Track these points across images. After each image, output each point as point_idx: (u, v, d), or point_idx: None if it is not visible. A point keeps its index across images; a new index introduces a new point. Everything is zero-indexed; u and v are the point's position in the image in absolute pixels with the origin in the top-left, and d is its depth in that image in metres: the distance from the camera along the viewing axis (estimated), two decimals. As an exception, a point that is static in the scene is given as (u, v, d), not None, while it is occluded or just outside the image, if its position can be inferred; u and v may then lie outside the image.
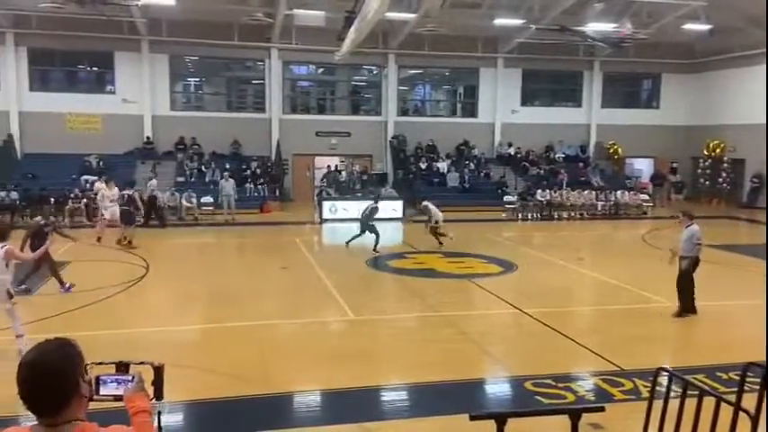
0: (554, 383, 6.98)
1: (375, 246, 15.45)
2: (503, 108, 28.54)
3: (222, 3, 23.06)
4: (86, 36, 23.41)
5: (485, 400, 7.00)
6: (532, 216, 23.52)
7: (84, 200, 20.53)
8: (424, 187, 25.72)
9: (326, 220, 21.30)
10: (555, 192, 24.34)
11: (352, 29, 19.48)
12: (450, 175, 26.29)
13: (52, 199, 20.45)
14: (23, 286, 10.68)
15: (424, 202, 17.52)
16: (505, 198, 24.35)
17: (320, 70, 28.78)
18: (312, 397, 6.95)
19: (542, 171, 27.06)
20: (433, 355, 8.18)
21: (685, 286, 9.65)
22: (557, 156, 28.52)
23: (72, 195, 20.82)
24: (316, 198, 23.65)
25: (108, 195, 16.71)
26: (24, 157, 24.16)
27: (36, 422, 2.08)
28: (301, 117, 27.53)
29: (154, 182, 20.29)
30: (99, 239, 16.09)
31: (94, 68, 25.98)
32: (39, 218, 11.93)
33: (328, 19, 23.30)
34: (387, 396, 7.00)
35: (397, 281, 12.99)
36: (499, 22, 24.44)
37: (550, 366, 7.60)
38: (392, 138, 27.77)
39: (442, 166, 26.84)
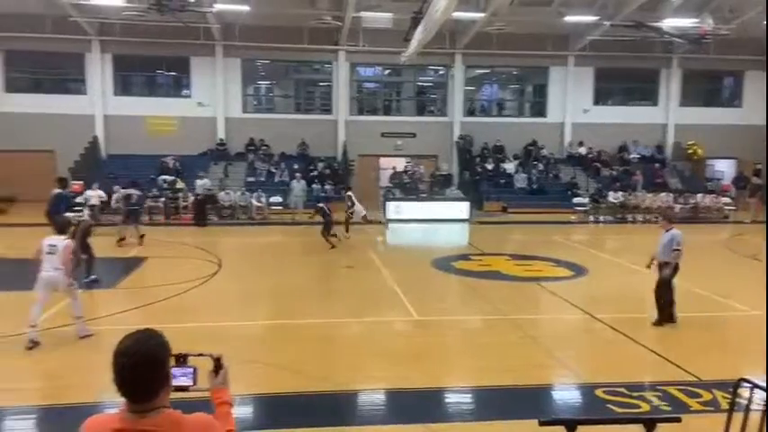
0: (627, 392, 6.71)
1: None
2: (573, 107, 27.81)
3: (292, 7, 23.56)
4: (165, 42, 24.46)
5: (553, 406, 6.81)
6: (604, 219, 22.79)
7: (162, 198, 21.45)
8: (490, 188, 25.41)
9: (391, 221, 21.37)
10: (629, 194, 23.49)
11: (419, 29, 19.48)
12: (517, 176, 25.84)
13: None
14: (93, 277, 11.28)
15: (348, 193, 18.67)
16: (575, 200, 23.71)
17: (386, 71, 28.94)
18: (375, 396, 6.96)
19: (615, 172, 26.17)
20: (498, 358, 8.04)
21: (664, 294, 9.11)
22: (631, 156, 27.52)
23: (150, 194, 21.76)
24: (381, 198, 23.77)
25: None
26: (108, 157, 25.49)
27: (125, 408, 2.15)
28: (367, 118, 27.77)
29: (206, 181, 21.05)
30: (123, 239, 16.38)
31: (172, 73, 27.11)
32: (87, 217, 12.70)
33: (395, 20, 23.41)
34: (451, 398, 6.93)
35: (462, 282, 12.86)
36: (570, 19, 23.84)
37: (623, 374, 7.32)
38: (458, 138, 27.59)
39: (510, 166, 26.41)
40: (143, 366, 2.12)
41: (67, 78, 26.15)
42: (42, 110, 24.60)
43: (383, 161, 27.21)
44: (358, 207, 17.94)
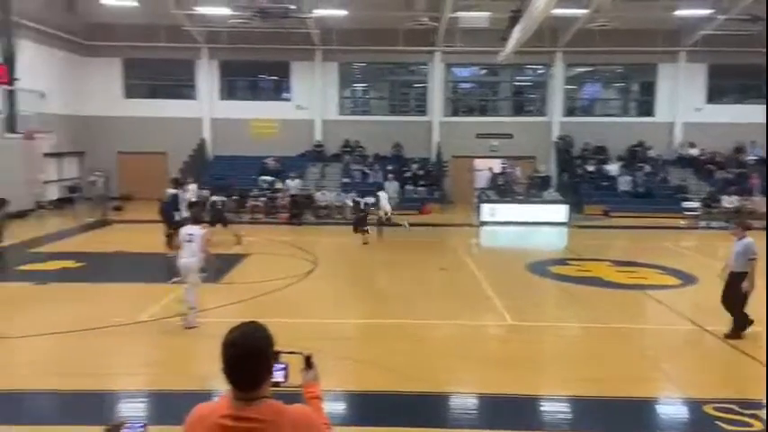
0: (739, 410, 6.21)
1: None
2: (685, 106, 26.21)
3: (389, 10, 23.78)
4: (267, 48, 25.45)
5: (657, 421, 6.43)
6: (717, 224, 21.26)
7: (263, 198, 22.34)
8: (591, 191, 24.43)
9: (486, 223, 21.04)
10: (745, 198, 21.79)
11: (517, 28, 19.06)
12: (621, 179, 24.67)
13: (236, 197, 22.48)
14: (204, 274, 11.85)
15: (379, 193, 18.65)
16: (685, 204, 22.30)
17: (482, 71, 28.56)
18: (466, 399, 6.87)
19: (730, 175, 24.36)
20: (597, 367, 7.70)
21: (737, 304, 8.59)
22: (747, 158, 25.52)
23: (252, 194, 22.75)
24: (475, 200, 23.47)
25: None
26: (214, 159, 26.88)
27: (231, 396, 2.25)
28: (462, 119, 27.53)
29: (297, 182, 21.59)
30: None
31: (273, 78, 28.16)
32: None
33: (492, 19, 23.04)
34: (546, 406, 6.71)
35: (560, 288, 12.43)
36: (681, 13, 22.47)
37: (735, 390, 6.79)
38: (557, 138, 26.75)
39: (613, 168, 25.26)
40: (250, 357, 2.23)
41: (179, 84, 27.82)
42: (156, 114, 26.35)
43: (478, 162, 26.85)
44: (387, 207, 18.23)
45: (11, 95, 16.03)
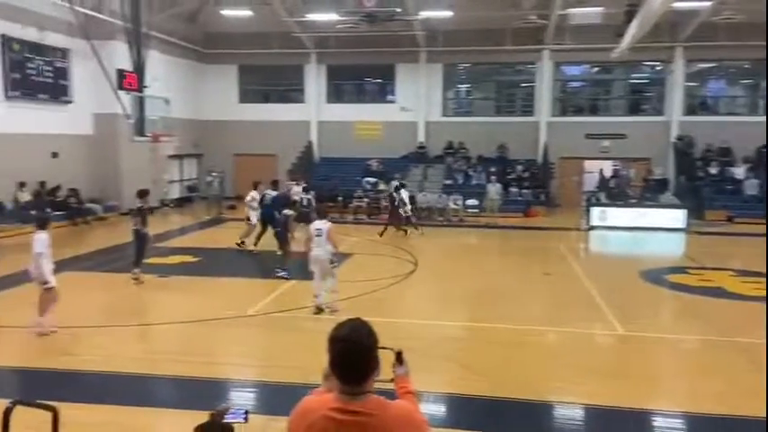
0: None
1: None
2: (821, 103, 23.73)
3: (496, 9, 23.42)
4: (373, 51, 25.87)
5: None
6: None
7: (366, 199, 22.73)
8: (713, 195, 22.74)
9: (595, 227, 20.14)
10: None
11: (633, 23, 18.11)
12: (747, 182, 22.77)
13: (340, 198, 23.04)
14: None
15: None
16: (822, 210, 20.14)
17: (594, 69, 27.39)
18: (572, 410, 6.58)
19: None
20: (716, 383, 7.12)
21: None
22: None
23: (355, 195, 23.21)
24: (584, 203, 22.54)
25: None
26: (320, 160, 27.71)
27: (338, 390, 2.30)
28: (571, 119, 26.57)
29: (395, 183, 21.57)
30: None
31: (378, 80, 28.58)
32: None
33: (606, 15, 22.05)
34: (657, 421, 6.31)
35: (677, 298, 11.64)
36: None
37: None
38: (676, 139, 25.12)
39: (739, 171, 23.36)
40: (357, 352, 2.27)
41: (289, 89, 28.91)
42: (268, 118, 27.57)
43: (587, 164, 25.79)
44: (407, 205, 18.18)
45: (140, 102, 17.35)
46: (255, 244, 15.23)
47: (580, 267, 14.28)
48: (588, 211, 20.83)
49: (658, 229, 19.66)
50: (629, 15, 18.22)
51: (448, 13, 22.82)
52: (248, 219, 15.77)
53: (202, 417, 2.40)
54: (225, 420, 2.35)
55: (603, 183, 23.45)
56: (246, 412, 2.38)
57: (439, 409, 6.55)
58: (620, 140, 25.35)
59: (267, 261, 14.22)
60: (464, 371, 7.48)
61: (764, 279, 12.63)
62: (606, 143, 25.59)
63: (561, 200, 25.85)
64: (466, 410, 6.53)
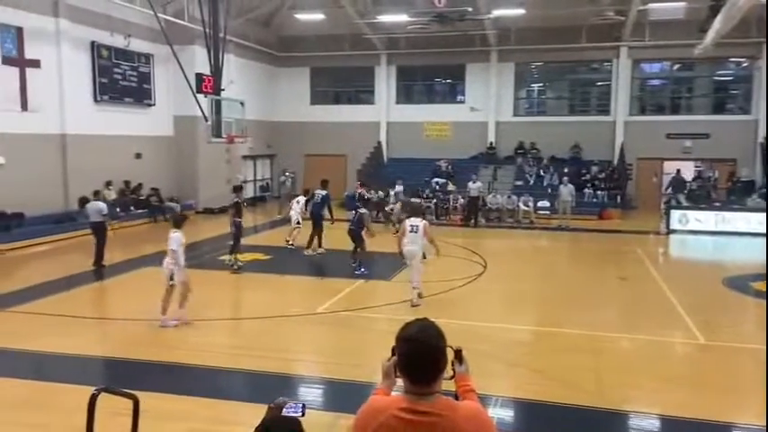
0: None
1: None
2: None
3: (570, 6, 22.81)
4: (443, 52, 25.74)
5: None
6: None
7: (434, 200, 22.64)
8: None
9: (674, 231, 19.25)
10: None
11: (718, 18, 17.19)
12: (844, 185, 21.15)
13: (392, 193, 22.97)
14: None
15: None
16: None
17: (675, 67, 26.18)
18: (648, 420, 6.33)
19: None
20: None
21: None
22: None
23: (424, 196, 23.13)
24: (663, 206, 21.58)
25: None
26: (389, 161, 27.84)
27: (405, 390, 2.29)
28: (650, 118, 25.51)
29: (479, 184, 21.33)
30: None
31: (448, 81, 28.41)
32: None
33: (689, 10, 21.08)
34: (744, 438, 5.94)
35: (762, 306, 10.93)
36: None
37: None
38: (765, 139, 23.65)
39: (834, 173, 21.75)
40: (427, 353, 2.26)
41: (360, 90, 29.21)
42: (338, 119, 27.96)
43: (667, 165, 24.69)
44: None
45: (217, 104, 17.98)
46: (309, 245, 15.15)
47: (658, 272, 13.68)
48: (668, 213, 19.92)
49: (743, 234, 18.58)
50: (714, 10, 17.31)
51: (520, 11, 22.41)
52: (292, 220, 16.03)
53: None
54: (283, 414, 2.37)
55: (679, 184, 22.34)
56: (304, 406, 2.40)
57: (507, 414, 6.44)
58: (703, 140, 24.11)
59: (336, 260, 14.42)
60: (536, 376, 7.32)
61: None
62: (688, 143, 24.41)
63: (638, 202, 24.87)
64: (537, 417, 6.40)
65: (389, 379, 2.46)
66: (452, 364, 2.56)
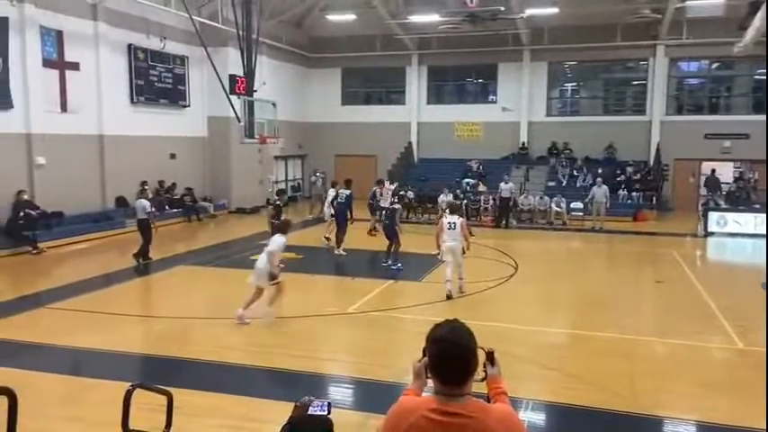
0: None
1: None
2: None
3: (605, 4, 22.45)
4: (475, 51, 25.59)
5: None
6: None
7: (465, 201, 22.47)
8: None
9: (712, 234, 18.78)
10: None
11: (759, 15, 16.73)
12: None
13: (439, 199, 22.91)
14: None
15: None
16: None
17: (714, 65, 25.54)
18: (683, 427, 6.18)
19: None
20: None
21: None
22: None
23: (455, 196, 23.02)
24: (701, 208, 21.08)
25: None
26: (419, 161, 27.79)
27: (436, 391, 2.28)
28: (687, 118, 24.94)
29: (511, 185, 21.11)
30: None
31: (479, 80, 28.22)
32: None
33: (728, 7, 20.56)
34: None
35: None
36: None
37: None
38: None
39: None
40: (458, 354, 2.24)
41: (390, 91, 29.22)
42: (369, 119, 28.02)
43: (705, 166, 24.11)
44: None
45: (250, 105, 18.19)
46: (338, 245, 15.22)
47: (696, 275, 13.37)
48: (705, 215, 19.44)
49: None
50: (754, 6, 16.87)
51: (553, 10, 22.14)
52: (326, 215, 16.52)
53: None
54: (309, 412, 2.38)
55: (713, 183, 21.77)
56: (329, 404, 2.39)
57: (540, 417, 6.36)
58: (743, 141, 23.48)
59: (366, 260, 14.45)
60: (569, 379, 7.21)
61: None
62: (727, 143, 23.81)
63: (675, 204, 24.35)
64: (571, 420, 6.31)
65: (420, 380, 2.45)
66: (484, 366, 2.53)
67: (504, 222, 20.68)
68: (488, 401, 2.42)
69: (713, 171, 22.90)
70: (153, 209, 14.29)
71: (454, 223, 10.66)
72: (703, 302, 10.85)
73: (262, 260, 9.23)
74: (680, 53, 24.64)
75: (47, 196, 16.27)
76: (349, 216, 15.35)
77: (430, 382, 2.39)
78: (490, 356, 2.51)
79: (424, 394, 2.42)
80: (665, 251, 16.30)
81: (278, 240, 9.32)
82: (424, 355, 2.41)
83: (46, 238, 15.58)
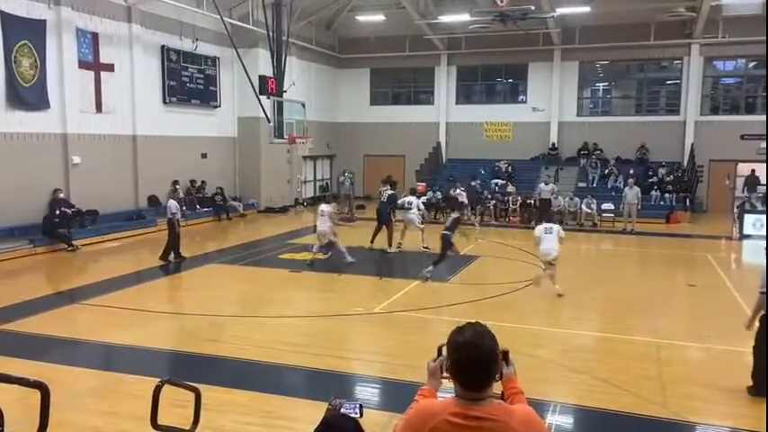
0: None
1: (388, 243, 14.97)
2: None
3: (639, 2, 22.08)
4: (505, 51, 25.41)
5: None
6: None
7: (493, 201, 22.34)
8: None
9: (748, 236, 18.31)
10: None
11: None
12: None
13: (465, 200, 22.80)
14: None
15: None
16: None
17: (751, 64, 24.91)
18: (717, 434, 6.04)
19: None
20: None
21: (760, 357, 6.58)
22: None
23: (482, 197, 22.86)
24: (736, 210, 20.56)
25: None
26: (447, 161, 27.69)
27: (458, 395, 2.26)
28: (723, 118, 24.38)
29: (550, 186, 20.92)
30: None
31: (509, 80, 27.99)
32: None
33: (765, 4, 20.01)
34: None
35: None
36: None
37: None
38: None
39: None
40: (483, 359, 2.22)
41: (419, 91, 29.18)
42: (398, 120, 28.03)
43: (741, 167, 23.53)
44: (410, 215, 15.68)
45: (280, 105, 18.35)
46: (389, 244, 15.33)
47: (730, 279, 13.05)
48: (741, 218, 18.96)
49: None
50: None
51: (585, 9, 21.83)
52: None
53: (323, 407, 2.45)
54: (341, 413, 2.38)
55: (752, 183, 21.16)
56: (361, 406, 2.39)
57: (568, 421, 6.29)
58: (781, 141, 22.84)
59: (394, 260, 14.45)
60: (598, 383, 7.10)
61: None
62: (764, 144, 23.16)
63: (709, 205, 23.82)
64: (599, 425, 6.22)
65: (435, 379, 2.43)
66: (500, 366, 2.51)
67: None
68: (503, 400, 2.40)
69: (753, 171, 22.33)
70: (181, 209, 14.54)
71: (551, 228, 11.43)
72: (738, 307, 10.57)
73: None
74: (715, 52, 24.10)
75: (82, 195, 16.66)
76: (391, 214, 15.30)
77: (444, 382, 2.38)
78: (505, 356, 2.48)
79: (439, 395, 2.40)
80: (699, 254, 15.96)
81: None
82: (440, 354, 2.39)
83: (81, 236, 15.96)
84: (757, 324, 7.07)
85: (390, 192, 15.66)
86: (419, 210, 15.65)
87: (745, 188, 21.56)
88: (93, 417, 6.12)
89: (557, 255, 11.02)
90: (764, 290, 7.03)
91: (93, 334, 8.74)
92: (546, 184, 20.91)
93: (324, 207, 13.65)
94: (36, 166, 15.65)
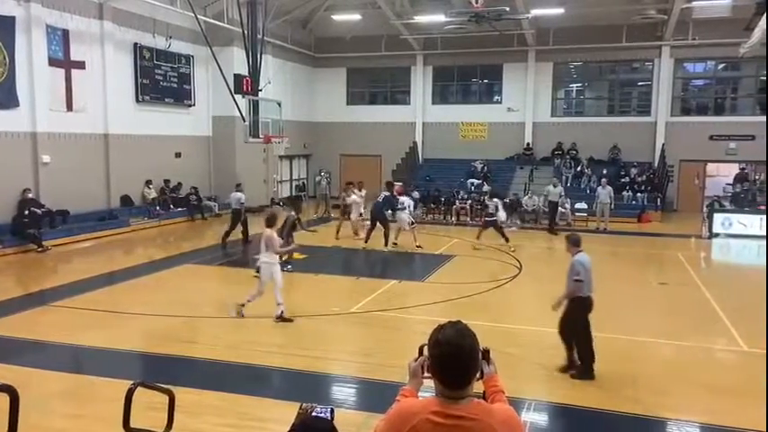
0: None
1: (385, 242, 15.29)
2: None
3: (611, 5, 22.40)
4: (480, 52, 25.58)
5: None
6: None
7: (469, 201, 22.47)
8: None
9: (717, 235, 18.72)
10: None
11: (765, 15, 16.66)
12: None
13: (442, 199, 22.94)
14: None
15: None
16: None
17: (720, 66, 25.45)
18: (687, 429, 6.16)
19: None
20: None
21: (570, 336, 7.36)
22: None
23: (459, 197, 23.00)
24: (705, 209, 21.01)
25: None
26: (423, 162, 27.77)
27: (438, 393, 2.26)
28: (693, 119, 24.86)
29: (559, 188, 20.94)
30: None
31: (484, 81, 28.18)
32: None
33: (734, 8, 20.49)
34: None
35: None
36: None
37: None
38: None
39: None
40: (463, 357, 2.22)
41: (395, 91, 29.21)
42: (374, 119, 28.03)
43: (710, 167, 24.04)
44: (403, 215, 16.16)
45: (255, 104, 18.20)
46: (386, 243, 15.58)
47: (700, 277, 13.32)
48: (710, 217, 19.37)
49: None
50: (761, 7, 16.80)
51: (559, 11, 22.09)
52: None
53: (298, 407, 2.44)
54: (313, 415, 2.36)
55: (741, 181, 21.74)
56: (332, 411, 2.38)
57: (542, 418, 6.36)
58: (748, 142, 23.39)
59: (371, 260, 14.43)
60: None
61: None
62: (733, 145, 23.72)
63: (679, 205, 24.28)
64: (572, 421, 6.30)
65: (417, 379, 2.43)
66: (482, 365, 2.53)
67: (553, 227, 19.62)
68: (485, 399, 2.41)
69: (742, 169, 22.86)
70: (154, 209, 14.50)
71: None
72: (708, 304, 10.81)
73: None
74: (686, 54, 24.57)
75: (52, 195, 16.34)
76: (390, 217, 15.87)
77: (426, 382, 2.39)
78: (486, 355, 2.49)
79: (421, 394, 2.41)
80: (670, 253, 16.26)
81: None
82: (421, 354, 2.40)
83: (51, 237, 15.65)
84: (562, 308, 7.57)
85: (386, 193, 16.04)
86: (409, 210, 16.25)
87: (737, 184, 22.15)
88: (64, 420, 6.02)
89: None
90: (578, 277, 7.53)
91: (63, 336, 8.58)
92: (554, 186, 20.18)
93: (266, 233, 9.47)
94: (4, 165, 15.31)
